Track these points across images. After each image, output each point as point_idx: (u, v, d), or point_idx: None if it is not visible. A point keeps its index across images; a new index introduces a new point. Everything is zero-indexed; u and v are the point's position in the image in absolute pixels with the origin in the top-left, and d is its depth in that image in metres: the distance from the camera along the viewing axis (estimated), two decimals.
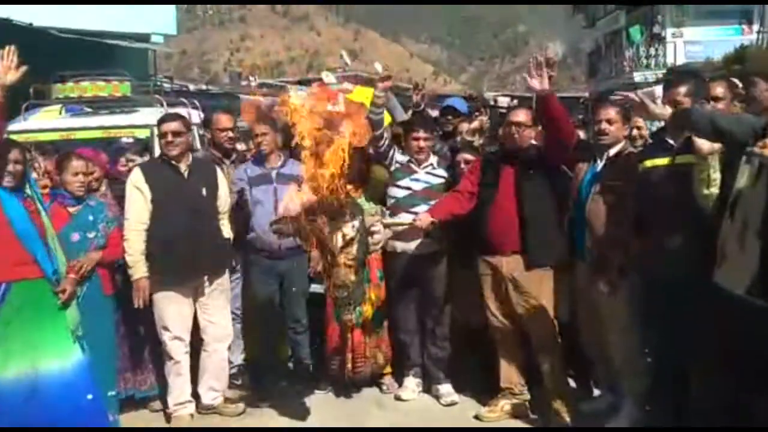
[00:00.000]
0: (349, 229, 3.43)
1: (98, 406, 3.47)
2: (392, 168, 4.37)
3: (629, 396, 3.82)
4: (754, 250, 2.68)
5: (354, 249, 3.44)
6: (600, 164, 3.79)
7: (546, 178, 3.87)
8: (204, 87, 15.93)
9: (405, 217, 4.15)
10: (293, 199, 3.57)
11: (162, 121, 4.08)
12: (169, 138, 3.92)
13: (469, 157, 4.31)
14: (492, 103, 20.24)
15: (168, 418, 4.07)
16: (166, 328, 3.97)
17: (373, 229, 3.77)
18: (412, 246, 4.25)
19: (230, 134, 4.60)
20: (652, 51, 24.51)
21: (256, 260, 4.34)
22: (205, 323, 4.10)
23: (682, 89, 3.33)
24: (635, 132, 4.27)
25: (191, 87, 14.77)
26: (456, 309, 4.39)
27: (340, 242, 3.41)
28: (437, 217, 3.98)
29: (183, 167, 3.99)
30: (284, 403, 4.24)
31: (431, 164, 4.37)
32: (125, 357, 4.12)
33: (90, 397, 3.39)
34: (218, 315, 4.14)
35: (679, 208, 3.16)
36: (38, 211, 3.39)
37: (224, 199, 4.15)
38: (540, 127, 3.94)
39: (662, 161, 3.40)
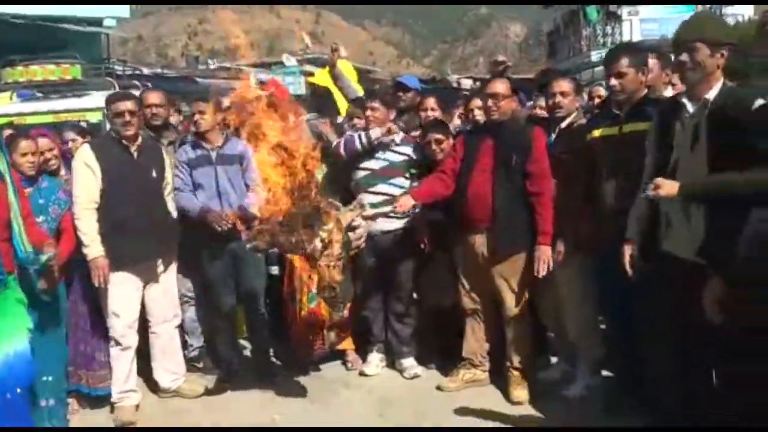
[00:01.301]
0: (326, 233, 3.40)
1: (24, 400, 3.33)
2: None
3: (584, 364, 3.92)
4: (699, 216, 2.73)
5: (335, 250, 3.41)
6: (553, 137, 3.85)
7: (523, 156, 3.80)
8: (159, 71, 15.53)
9: (385, 207, 4.04)
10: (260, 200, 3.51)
11: (116, 99, 3.95)
12: (127, 117, 3.84)
13: (439, 136, 4.20)
14: (455, 85, 20.29)
15: (111, 408, 3.95)
16: (116, 314, 3.87)
17: (353, 224, 3.74)
18: (375, 226, 4.21)
19: (155, 110, 4.40)
20: (609, 30, 24.79)
21: (205, 243, 4.22)
22: (151, 305, 4.05)
23: (624, 61, 3.40)
24: (597, 101, 4.32)
25: (145, 70, 14.39)
26: (428, 288, 4.43)
27: (319, 246, 3.38)
28: (419, 200, 3.91)
29: (133, 147, 3.91)
30: (248, 385, 4.24)
31: (393, 141, 4.32)
32: (79, 352, 3.94)
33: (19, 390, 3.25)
34: (164, 296, 4.09)
35: (626, 176, 3.22)
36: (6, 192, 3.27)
37: (170, 180, 4.11)
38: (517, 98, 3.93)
39: (610, 130, 3.46)
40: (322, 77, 6.60)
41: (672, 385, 3.04)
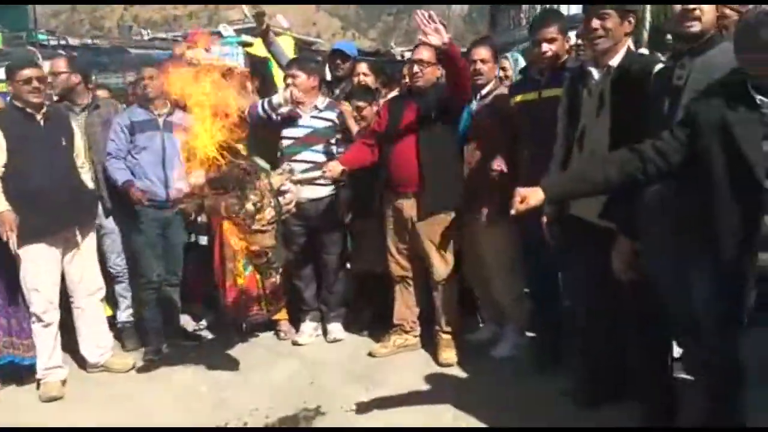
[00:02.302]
0: (257, 196, 3.36)
1: None
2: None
3: (511, 325, 4.04)
4: None
5: (265, 214, 3.38)
6: (474, 104, 3.90)
7: (447, 121, 3.84)
8: (89, 41, 14.77)
9: (314, 172, 4.01)
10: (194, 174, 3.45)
11: (21, 66, 3.77)
12: (36, 84, 3.70)
13: (361, 103, 4.23)
14: (400, 58, 20.19)
15: (37, 384, 3.85)
16: (36, 290, 3.75)
17: (283, 188, 3.73)
18: (303, 194, 4.18)
19: (64, 77, 4.32)
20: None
21: (142, 211, 4.18)
22: (73, 279, 3.97)
23: (554, 27, 3.46)
24: (501, 73, 4.38)
25: (72, 41, 13.62)
26: (359, 256, 4.46)
27: (251, 210, 3.34)
28: (347, 166, 3.90)
29: (39, 116, 3.78)
30: (178, 357, 4.21)
31: (315, 106, 4.30)
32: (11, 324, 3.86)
33: None
34: (85, 270, 4.01)
35: (543, 141, 3.29)
36: None
37: (80, 148, 4.02)
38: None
39: (530, 96, 3.53)
40: (260, 48, 6.47)
41: (594, 344, 3.15)
